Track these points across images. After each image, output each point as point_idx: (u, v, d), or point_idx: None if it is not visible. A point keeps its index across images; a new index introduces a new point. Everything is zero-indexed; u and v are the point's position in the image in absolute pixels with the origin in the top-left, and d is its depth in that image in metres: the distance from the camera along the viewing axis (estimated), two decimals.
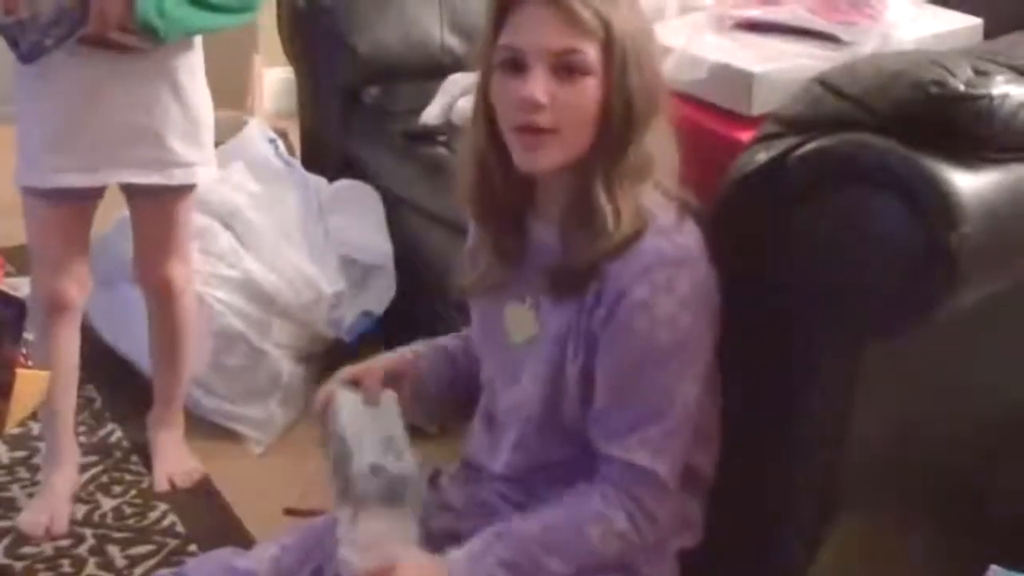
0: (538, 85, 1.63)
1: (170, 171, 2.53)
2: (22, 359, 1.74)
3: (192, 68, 2.53)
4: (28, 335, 1.78)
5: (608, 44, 1.63)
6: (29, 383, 1.74)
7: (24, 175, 2.50)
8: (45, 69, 2.36)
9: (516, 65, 1.65)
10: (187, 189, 2.59)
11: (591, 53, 1.63)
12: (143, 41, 2.38)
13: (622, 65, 1.64)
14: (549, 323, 1.72)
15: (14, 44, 2.32)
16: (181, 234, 2.65)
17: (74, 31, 2.32)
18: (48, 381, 1.81)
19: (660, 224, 1.67)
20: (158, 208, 2.60)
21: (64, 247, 2.56)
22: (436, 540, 1.83)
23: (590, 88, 1.64)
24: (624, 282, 1.64)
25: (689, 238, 1.68)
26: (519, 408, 1.77)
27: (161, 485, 2.75)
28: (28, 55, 2.32)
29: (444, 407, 1.96)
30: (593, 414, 1.70)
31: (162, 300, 2.70)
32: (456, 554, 1.67)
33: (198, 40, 2.53)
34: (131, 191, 2.59)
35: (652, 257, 1.64)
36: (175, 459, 2.80)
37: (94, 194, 2.55)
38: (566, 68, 1.64)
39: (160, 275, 2.66)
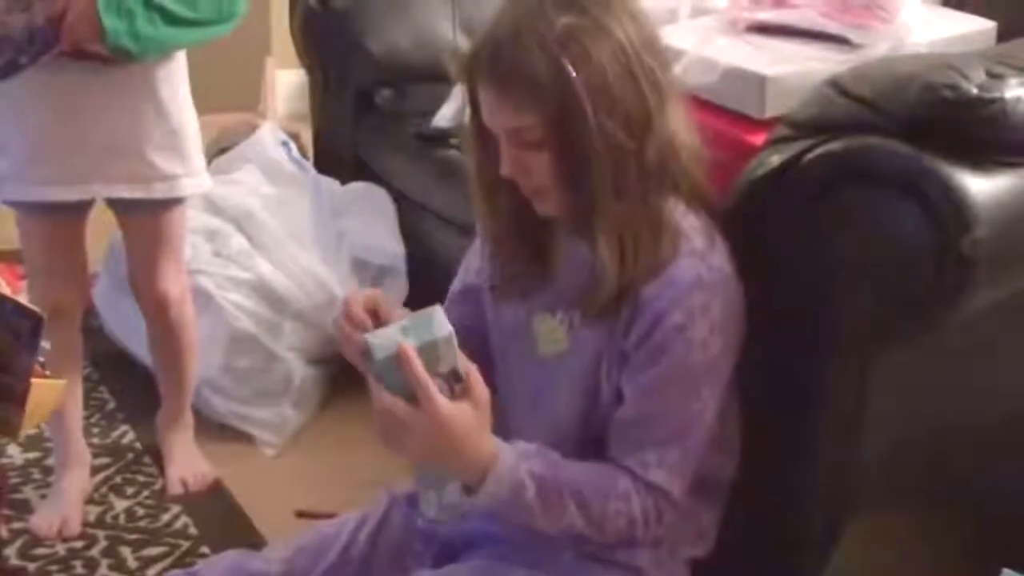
0: (504, 161, 1.66)
1: (152, 185, 2.49)
2: (39, 368, 1.76)
3: (172, 80, 2.48)
4: (46, 344, 1.81)
5: (563, 104, 1.59)
6: (44, 391, 1.76)
7: (7, 189, 2.49)
8: (24, 82, 2.33)
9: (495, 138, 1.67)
10: (173, 203, 2.55)
11: (537, 128, 1.61)
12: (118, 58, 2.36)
13: (580, 124, 1.59)
14: (581, 342, 1.72)
15: None
16: (172, 248, 2.61)
17: (48, 49, 2.30)
18: (62, 389, 1.83)
19: (694, 246, 1.66)
20: (146, 223, 2.57)
21: (55, 256, 2.54)
22: (446, 544, 1.83)
23: (544, 159, 1.63)
24: (660, 306, 1.63)
25: (722, 259, 1.68)
26: (554, 427, 1.76)
27: (174, 488, 2.75)
28: (2, 74, 2.31)
29: None
30: (616, 421, 1.70)
31: (158, 314, 2.67)
32: (508, 445, 1.65)
33: (180, 51, 2.50)
34: (118, 207, 2.56)
35: (689, 281, 1.64)
36: (187, 462, 2.80)
37: (82, 206, 2.53)
38: (520, 143, 1.64)
39: (154, 290, 2.63)
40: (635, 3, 1.67)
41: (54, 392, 1.83)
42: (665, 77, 1.66)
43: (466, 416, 1.56)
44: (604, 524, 1.67)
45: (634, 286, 1.64)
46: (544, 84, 1.59)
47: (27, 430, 1.93)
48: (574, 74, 1.58)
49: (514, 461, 1.62)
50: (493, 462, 1.60)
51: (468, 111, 1.71)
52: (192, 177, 2.55)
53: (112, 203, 2.56)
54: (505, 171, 1.66)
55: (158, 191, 2.50)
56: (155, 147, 2.47)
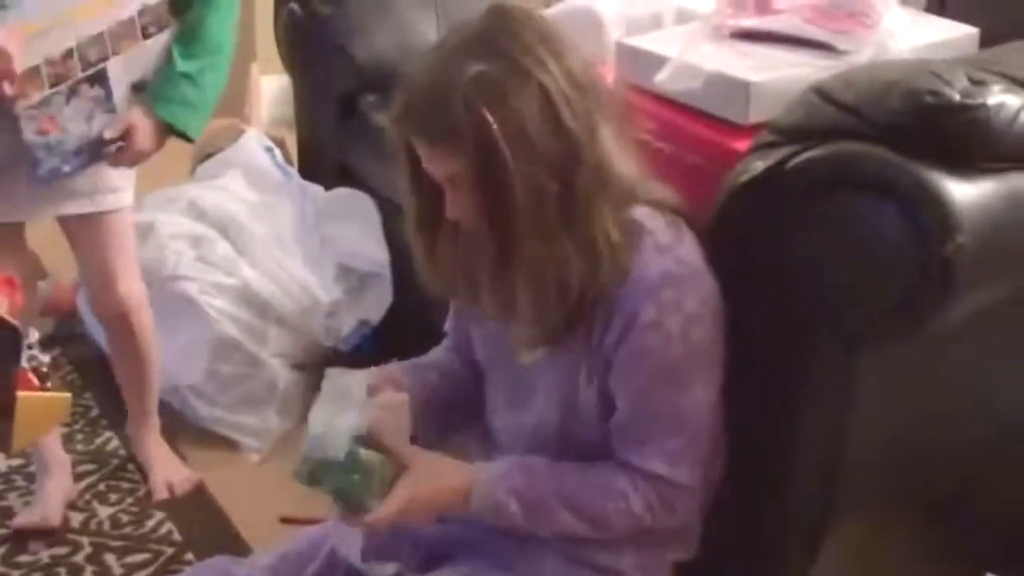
0: (448, 205, 1.67)
1: (100, 197, 2.48)
2: (37, 383, 1.77)
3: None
4: (45, 359, 1.81)
5: (482, 151, 1.59)
6: (43, 406, 1.77)
7: None
8: None
9: None
10: (119, 212, 2.54)
11: (465, 173, 1.62)
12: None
13: (499, 169, 1.59)
14: (557, 347, 1.72)
15: (35, 162, 2.31)
16: (124, 255, 2.60)
17: (94, 162, 2.34)
18: (66, 404, 1.84)
19: (659, 242, 1.66)
20: (94, 234, 2.55)
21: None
22: (432, 550, 1.83)
23: (473, 202, 1.64)
24: (632, 305, 1.64)
25: (690, 252, 1.68)
26: (534, 434, 1.77)
27: (160, 493, 2.75)
28: (45, 176, 2.33)
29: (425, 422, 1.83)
30: (614, 424, 1.71)
31: (117, 323, 2.67)
32: (481, 471, 1.70)
33: None
34: (65, 221, 2.55)
35: (657, 278, 1.64)
36: (169, 466, 2.80)
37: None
38: (456, 188, 1.65)
39: (110, 299, 2.62)
40: (559, 38, 1.64)
41: (58, 406, 1.84)
42: (596, 105, 1.64)
43: (422, 488, 1.67)
44: (608, 523, 1.69)
45: (603, 293, 1.65)
46: (462, 132, 1.59)
47: (24, 446, 1.93)
48: (490, 120, 1.58)
49: (489, 485, 1.67)
50: (469, 492, 1.68)
51: (403, 158, 1.71)
52: (131, 188, 2.55)
53: (60, 219, 2.54)
54: (449, 214, 1.68)
55: (106, 203, 2.50)
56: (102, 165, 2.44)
